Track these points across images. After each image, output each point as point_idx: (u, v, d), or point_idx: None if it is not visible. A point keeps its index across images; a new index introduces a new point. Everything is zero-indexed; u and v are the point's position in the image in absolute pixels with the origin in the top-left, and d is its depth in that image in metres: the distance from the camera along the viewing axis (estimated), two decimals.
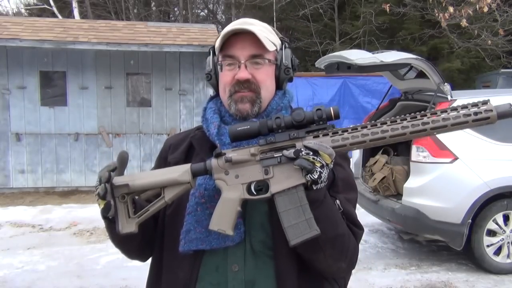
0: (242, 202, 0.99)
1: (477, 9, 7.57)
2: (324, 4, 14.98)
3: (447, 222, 3.84)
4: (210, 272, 1.07)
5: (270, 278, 1.05)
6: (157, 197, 1.01)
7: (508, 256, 4.05)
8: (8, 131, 7.13)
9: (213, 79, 1.16)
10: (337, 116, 0.96)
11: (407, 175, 4.25)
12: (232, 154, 0.99)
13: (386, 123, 0.95)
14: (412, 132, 0.94)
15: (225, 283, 1.06)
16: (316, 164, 0.92)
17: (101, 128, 7.39)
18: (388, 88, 5.27)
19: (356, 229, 1.10)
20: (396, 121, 0.95)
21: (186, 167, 1.01)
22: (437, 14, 8.55)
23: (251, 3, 16.07)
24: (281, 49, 1.15)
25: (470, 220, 3.82)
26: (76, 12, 14.35)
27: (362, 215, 4.92)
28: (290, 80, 1.17)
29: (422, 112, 0.96)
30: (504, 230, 4.01)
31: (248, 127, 0.98)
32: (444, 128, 0.93)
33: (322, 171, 0.93)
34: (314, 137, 0.97)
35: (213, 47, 1.16)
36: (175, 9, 19.43)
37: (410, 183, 4.02)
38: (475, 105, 0.93)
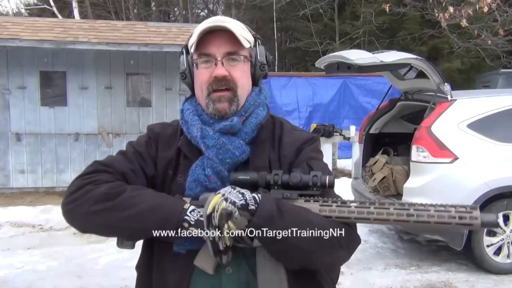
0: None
1: (477, 9, 7.58)
2: (324, 4, 15.00)
3: None
4: (203, 274, 1.05)
5: None
6: None
7: (508, 256, 4.04)
8: (8, 131, 7.12)
9: (188, 78, 1.16)
10: (331, 186, 0.98)
11: (407, 175, 4.24)
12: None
13: (374, 204, 0.95)
14: (396, 220, 0.94)
15: (218, 285, 1.06)
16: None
17: (101, 128, 7.39)
18: (388, 88, 5.27)
19: None
20: (384, 205, 0.95)
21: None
22: (437, 14, 8.55)
23: (251, 3, 16.08)
24: (255, 46, 1.15)
25: None
26: (76, 12, 14.35)
27: None
28: (265, 76, 1.19)
29: (410, 202, 0.96)
30: (504, 230, 4.02)
31: (248, 177, 1.03)
32: (426, 224, 0.94)
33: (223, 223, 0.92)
34: (305, 201, 0.99)
35: (186, 46, 1.15)
36: (175, 9, 19.45)
37: (410, 183, 4.02)
38: (463, 207, 0.92)
